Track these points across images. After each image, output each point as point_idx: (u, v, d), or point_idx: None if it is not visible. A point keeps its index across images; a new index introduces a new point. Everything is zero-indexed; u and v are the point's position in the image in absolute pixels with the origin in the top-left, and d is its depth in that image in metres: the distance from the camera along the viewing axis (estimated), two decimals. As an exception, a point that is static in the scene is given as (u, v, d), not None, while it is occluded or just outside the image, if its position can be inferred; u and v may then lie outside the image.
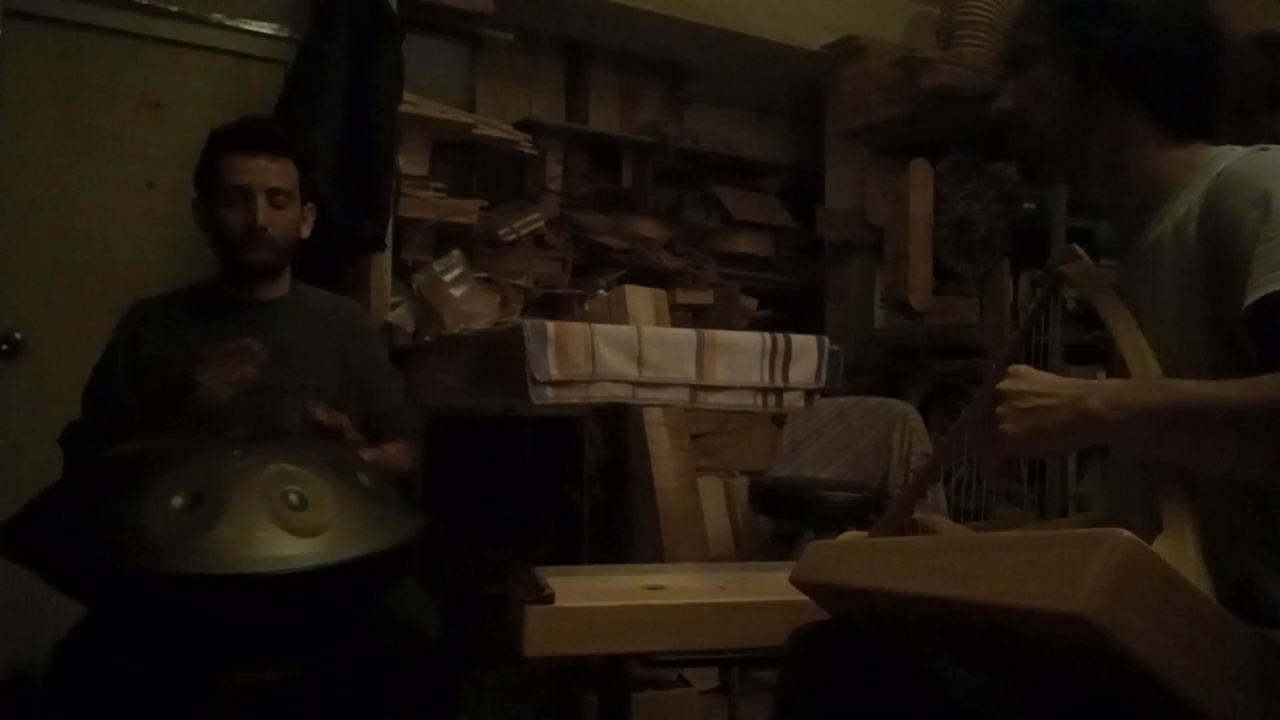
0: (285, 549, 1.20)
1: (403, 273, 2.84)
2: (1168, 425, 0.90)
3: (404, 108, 2.69)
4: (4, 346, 2.46)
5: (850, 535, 1.42)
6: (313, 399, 1.67)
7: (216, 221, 1.71)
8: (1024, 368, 1.00)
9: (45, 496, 1.33)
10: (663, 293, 3.17)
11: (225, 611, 1.25)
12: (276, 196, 1.71)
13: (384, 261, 2.75)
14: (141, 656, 1.33)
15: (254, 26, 2.76)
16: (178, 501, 1.21)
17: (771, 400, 1.95)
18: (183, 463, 1.28)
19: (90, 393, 1.73)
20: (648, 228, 3.70)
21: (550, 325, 1.76)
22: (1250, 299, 0.88)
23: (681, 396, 1.87)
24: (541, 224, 3.28)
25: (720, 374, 1.88)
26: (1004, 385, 0.99)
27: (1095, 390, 0.94)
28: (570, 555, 2.74)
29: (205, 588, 1.17)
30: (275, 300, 1.79)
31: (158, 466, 1.28)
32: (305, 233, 1.82)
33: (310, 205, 1.83)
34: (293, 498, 1.26)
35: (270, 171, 1.70)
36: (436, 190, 2.90)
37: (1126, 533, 0.75)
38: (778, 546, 3.15)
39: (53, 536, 1.24)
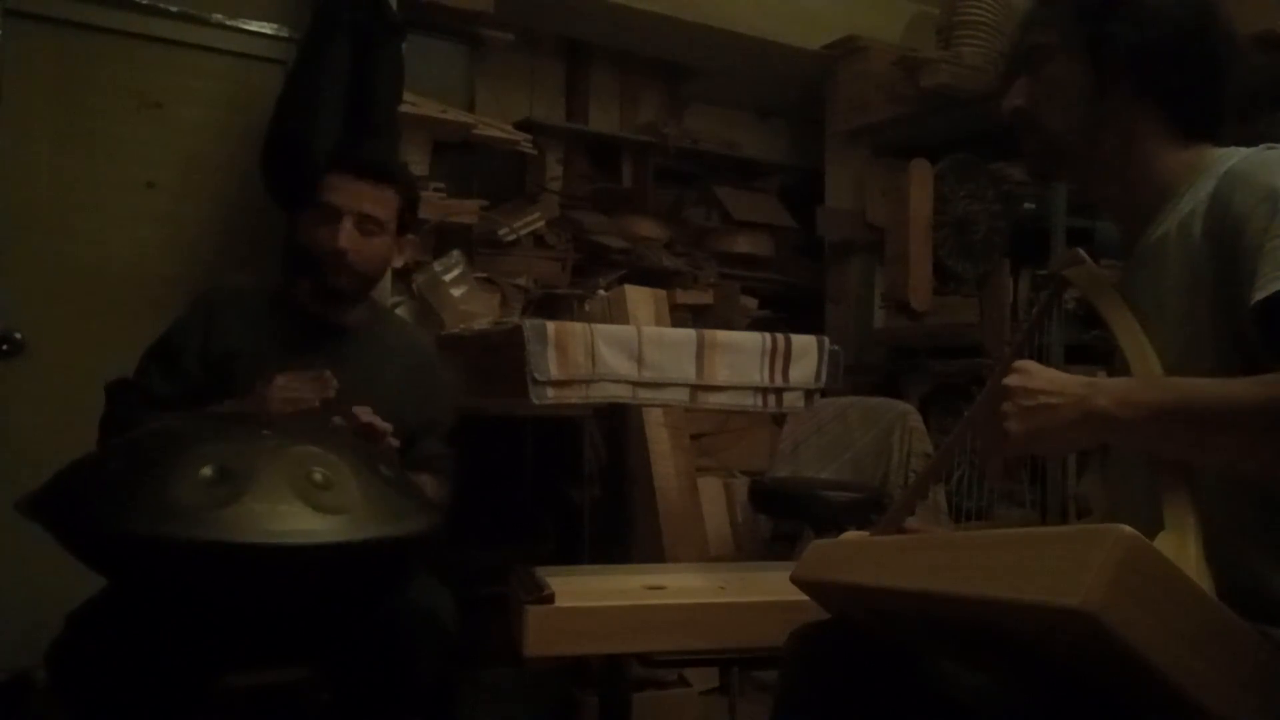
0: (310, 524, 1.21)
1: (403, 273, 2.84)
2: (1175, 423, 0.90)
3: (404, 108, 2.69)
4: (4, 346, 2.46)
5: (851, 535, 1.42)
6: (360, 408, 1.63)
7: (304, 237, 1.68)
8: (1030, 363, 1.00)
9: (74, 466, 1.34)
10: (663, 293, 3.17)
11: (248, 584, 1.26)
12: (367, 224, 1.67)
13: (384, 261, 2.75)
14: (158, 637, 1.33)
15: (254, 26, 2.76)
16: (206, 473, 1.22)
17: (771, 400, 1.95)
18: (212, 439, 1.30)
19: (154, 356, 1.68)
20: (648, 228, 3.70)
21: (550, 325, 1.76)
22: (1258, 296, 0.88)
23: (681, 396, 1.87)
24: (541, 224, 3.28)
25: (720, 374, 1.88)
26: (1010, 381, 0.98)
27: (1101, 388, 0.94)
28: (570, 555, 2.75)
29: (230, 556, 1.18)
30: (355, 327, 1.76)
31: (187, 442, 1.30)
32: (399, 263, 1.80)
33: (411, 238, 1.80)
34: (318, 477, 1.27)
35: (367, 197, 1.67)
36: (436, 190, 2.90)
37: (1128, 529, 0.75)
38: (778, 546, 3.14)
39: (79, 503, 1.25)
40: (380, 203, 1.69)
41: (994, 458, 1.04)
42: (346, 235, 1.65)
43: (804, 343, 1.95)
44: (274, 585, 1.28)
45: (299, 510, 1.22)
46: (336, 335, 1.73)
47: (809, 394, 1.97)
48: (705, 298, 3.66)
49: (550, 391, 1.74)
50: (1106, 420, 0.92)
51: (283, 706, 1.44)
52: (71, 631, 1.39)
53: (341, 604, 1.41)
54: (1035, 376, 0.97)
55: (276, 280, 1.81)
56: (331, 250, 1.64)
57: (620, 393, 1.81)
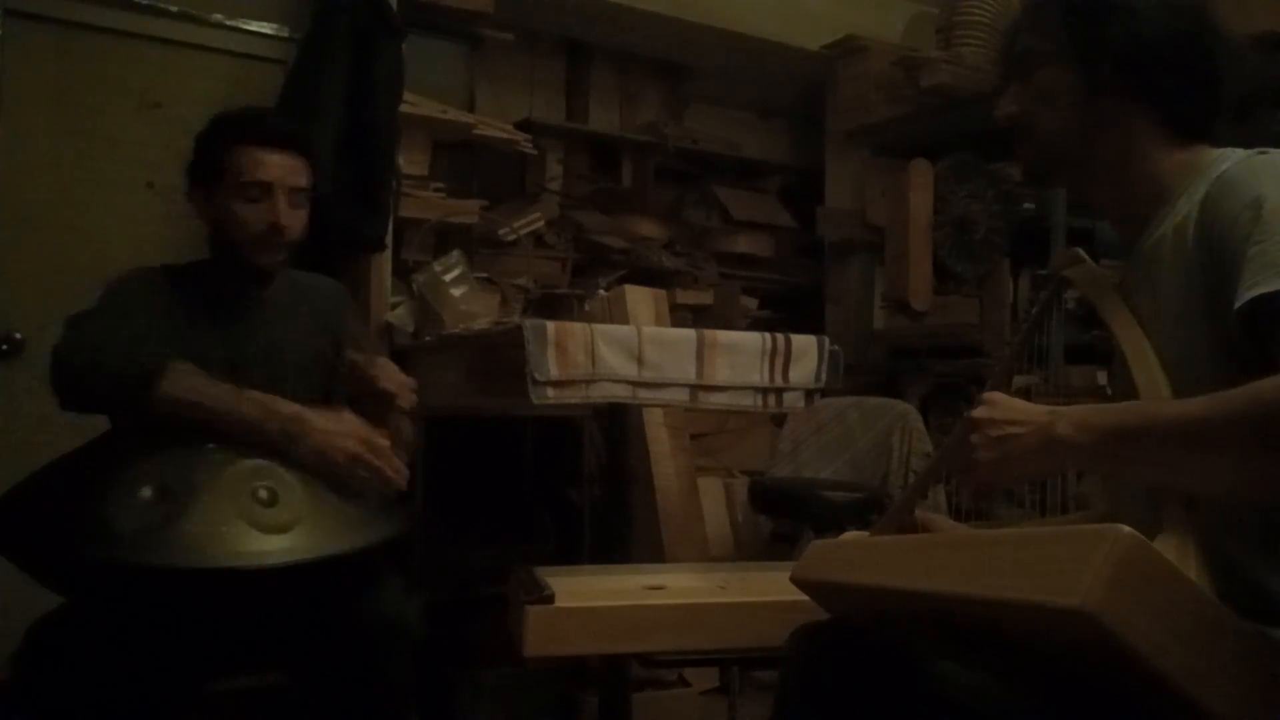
0: (249, 545, 1.19)
1: (403, 273, 2.84)
2: (1130, 445, 0.91)
3: (404, 108, 2.69)
4: (4, 346, 2.46)
5: (851, 535, 1.42)
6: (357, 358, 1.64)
7: (230, 218, 1.60)
8: (998, 395, 1.02)
9: (19, 487, 1.33)
10: (663, 293, 3.17)
11: (186, 605, 1.24)
12: (296, 195, 1.64)
13: (384, 261, 2.75)
14: (116, 648, 1.31)
15: (254, 26, 2.76)
16: (145, 494, 1.21)
17: (771, 400, 1.95)
18: (154, 455, 1.28)
19: (104, 312, 1.57)
20: (648, 228, 3.70)
21: (550, 325, 1.76)
22: (1240, 301, 0.89)
23: (681, 396, 1.87)
24: (541, 224, 3.28)
25: (720, 374, 1.88)
26: (977, 413, 1.01)
27: (1063, 416, 0.95)
28: (570, 555, 2.74)
29: (165, 581, 1.17)
30: (270, 297, 1.72)
31: (129, 458, 1.27)
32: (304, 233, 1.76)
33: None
34: (262, 493, 1.25)
35: (292, 169, 1.63)
36: (436, 190, 2.90)
37: (1127, 529, 0.75)
38: (778, 546, 3.15)
39: (22, 526, 1.24)
40: (303, 173, 1.66)
41: (965, 487, 1.06)
42: (284, 212, 1.61)
43: (804, 343, 1.95)
44: (215, 605, 1.26)
45: (241, 531, 1.20)
46: (258, 306, 1.70)
47: (809, 394, 1.97)
48: (705, 298, 3.66)
49: (550, 391, 1.74)
50: (1067, 446, 0.94)
51: (246, 714, 1.43)
52: (30, 644, 1.37)
53: (296, 617, 1.38)
54: (1001, 407, 1.00)
55: (184, 262, 1.74)
56: (269, 227, 1.60)
57: (620, 393, 1.81)
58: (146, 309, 1.59)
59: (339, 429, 1.45)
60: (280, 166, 1.62)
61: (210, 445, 1.31)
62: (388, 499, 1.51)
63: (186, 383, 1.38)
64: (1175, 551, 0.87)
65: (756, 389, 1.92)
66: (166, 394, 1.36)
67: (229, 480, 1.25)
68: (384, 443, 1.50)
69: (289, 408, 1.43)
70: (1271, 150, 1.00)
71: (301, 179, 1.65)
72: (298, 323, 1.75)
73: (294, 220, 1.64)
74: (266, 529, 1.22)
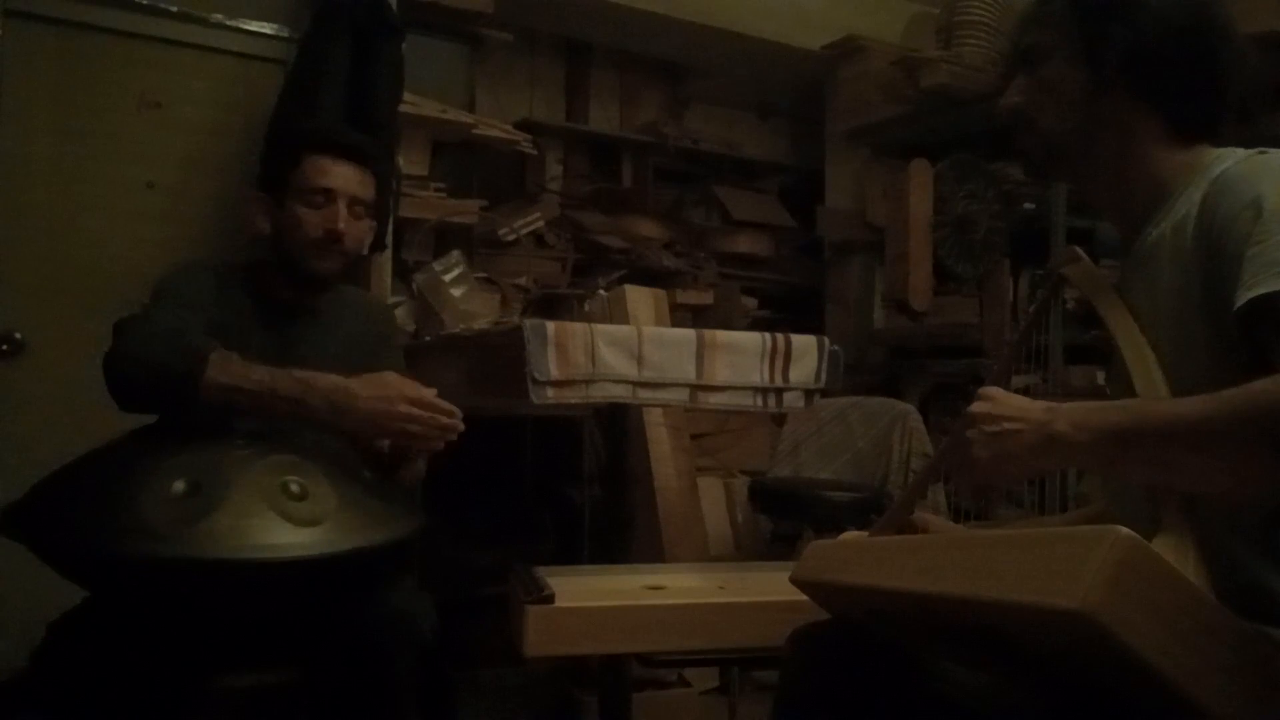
0: (282, 537, 1.20)
1: (403, 273, 2.84)
2: (1129, 444, 0.91)
3: (404, 108, 2.69)
4: (4, 346, 2.46)
5: (851, 535, 1.42)
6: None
7: (290, 223, 1.62)
8: (996, 390, 1.01)
9: (49, 480, 1.33)
10: (663, 293, 3.17)
11: (220, 598, 1.25)
12: (356, 207, 1.65)
13: (384, 261, 2.75)
14: (138, 644, 1.32)
15: (254, 26, 2.76)
16: (177, 488, 1.21)
17: (771, 400, 1.95)
18: (184, 451, 1.29)
19: (166, 298, 1.59)
20: (648, 228, 3.70)
21: (550, 325, 1.76)
22: (1240, 301, 0.89)
23: (681, 396, 1.87)
24: (541, 224, 3.28)
25: (720, 374, 1.88)
26: (975, 409, 1.00)
27: (1061, 413, 0.95)
28: (570, 555, 2.74)
29: (200, 573, 1.17)
30: (320, 307, 1.72)
31: (159, 453, 1.28)
32: (365, 249, 1.77)
33: (373, 223, 1.77)
34: (293, 487, 1.26)
35: (356, 181, 1.65)
36: (436, 190, 2.90)
37: (1126, 530, 0.75)
38: (778, 546, 3.15)
39: (53, 519, 1.25)
40: (367, 186, 1.67)
41: (963, 484, 1.05)
42: (345, 220, 1.62)
43: (804, 343, 1.95)
44: (248, 598, 1.27)
45: (272, 523, 1.21)
46: (305, 315, 1.70)
47: (809, 394, 1.97)
48: (705, 298, 3.66)
49: (550, 391, 1.74)
50: (1066, 444, 0.94)
51: (262, 710, 1.43)
52: (53, 639, 1.38)
53: (319, 611, 1.39)
54: (1000, 404, 0.99)
55: (240, 260, 1.74)
56: (328, 234, 1.61)
57: (620, 393, 1.81)
58: (192, 304, 1.58)
59: (384, 393, 1.45)
60: (345, 177, 1.64)
61: (239, 440, 1.32)
62: (405, 497, 1.51)
63: (229, 368, 1.39)
64: (1174, 552, 0.87)
65: (756, 389, 1.92)
66: (211, 380, 1.36)
67: (259, 474, 1.26)
68: (430, 394, 1.49)
69: (330, 380, 1.44)
70: (1271, 150, 1.00)
71: (365, 192, 1.67)
72: (342, 337, 1.74)
73: (354, 230, 1.65)
74: (298, 522, 1.23)
